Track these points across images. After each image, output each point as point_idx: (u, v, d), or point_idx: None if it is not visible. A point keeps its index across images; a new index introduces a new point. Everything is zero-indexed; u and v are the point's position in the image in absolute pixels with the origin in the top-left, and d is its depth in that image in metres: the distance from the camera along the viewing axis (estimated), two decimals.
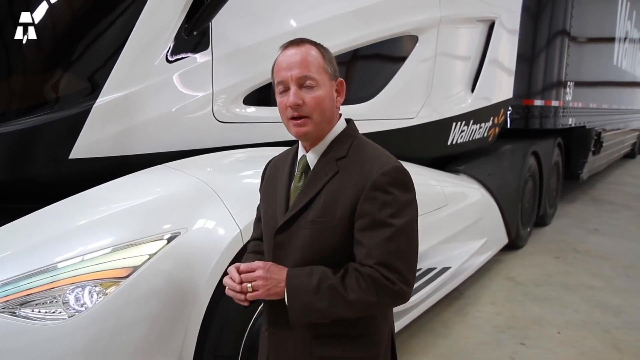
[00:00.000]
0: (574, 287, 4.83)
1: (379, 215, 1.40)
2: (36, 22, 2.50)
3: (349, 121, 1.60)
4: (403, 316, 3.47)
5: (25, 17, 2.53)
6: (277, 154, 1.75)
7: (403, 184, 1.44)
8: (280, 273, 1.46)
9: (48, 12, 2.50)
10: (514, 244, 5.74)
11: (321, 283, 1.41)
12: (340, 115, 1.58)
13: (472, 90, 4.61)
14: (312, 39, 1.56)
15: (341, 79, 1.55)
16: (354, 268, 1.41)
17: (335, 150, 1.51)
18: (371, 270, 1.39)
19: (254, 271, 1.45)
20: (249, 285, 1.45)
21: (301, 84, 1.47)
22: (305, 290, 1.41)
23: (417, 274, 3.89)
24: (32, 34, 2.52)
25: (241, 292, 1.46)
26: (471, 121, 4.67)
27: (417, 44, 3.74)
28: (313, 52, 1.50)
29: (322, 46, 1.55)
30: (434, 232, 3.97)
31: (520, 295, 4.60)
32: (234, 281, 1.46)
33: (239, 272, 1.47)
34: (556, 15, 6.23)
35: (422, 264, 4.04)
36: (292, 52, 1.49)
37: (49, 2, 2.51)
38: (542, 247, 6.07)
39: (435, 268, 4.05)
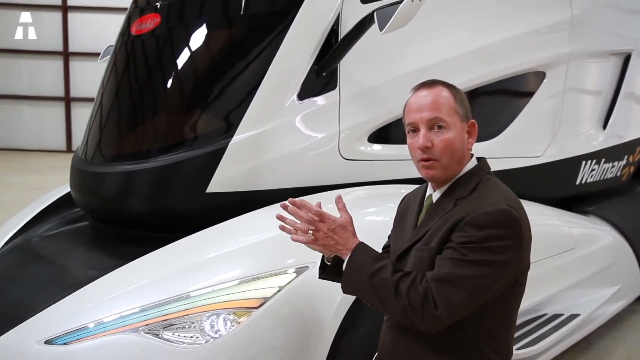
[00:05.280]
0: None
1: (458, 245, 1.39)
2: (179, 67, 2.75)
3: (480, 159, 1.59)
4: None
5: (169, 63, 2.80)
6: (396, 191, 1.78)
7: (503, 227, 1.39)
8: (346, 238, 1.53)
9: (190, 59, 2.75)
10: None
11: (378, 273, 1.43)
12: (472, 155, 1.58)
13: (604, 127, 4.37)
14: (441, 79, 1.59)
15: (473, 120, 1.55)
16: (414, 276, 1.41)
17: (458, 190, 1.52)
18: (426, 286, 1.37)
19: (322, 221, 1.53)
20: (311, 231, 1.54)
21: (431, 125, 1.50)
22: (363, 271, 1.46)
23: (542, 319, 3.72)
24: (175, 78, 2.77)
25: (303, 230, 1.55)
26: (602, 160, 4.42)
27: (544, 80, 3.62)
28: (444, 93, 1.52)
29: (454, 87, 1.56)
30: (561, 277, 3.76)
31: None
32: (302, 215, 1.55)
33: (311, 211, 1.54)
34: None
35: (547, 309, 3.83)
36: (424, 93, 1.53)
37: (190, 49, 2.75)
38: None
39: (562, 314, 3.83)
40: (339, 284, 1.99)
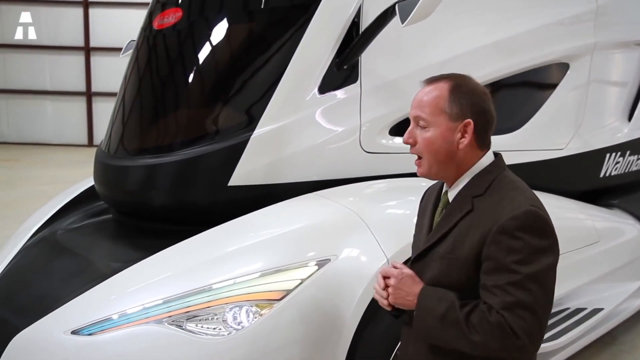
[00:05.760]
0: None
1: (504, 261, 1.37)
2: (201, 61, 2.76)
3: (496, 155, 1.57)
4: (549, 358, 3.27)
5: (190, 57, 2.81)
6: (417, 184, 1.78)
7: (535, 229, 1.38)
8: (412, 286, 1.50)
9: (211, 53, 2.76)
10: None
11: (447, 313, 1.41)
12: (487, 150, 1.55)
13: (629, 118, 4.30)
14: (458, 72, 1.57)
15: (469, 120, 1.48)
16: (482, 310, 1.38)
17: (473, 188, 1.50)
18: (498, 317, 1.35)
19: (388, 276, 1.55)
20: (384, 292, 1.56)
21: (417, 123, 1.52)
22: (432, 316, 1.44)
23: (565, 313, 3.68)
24: (197, 72, 2.79)
25: (381, 295, 1.56)
26: (627, 152, 4.34)
27: (568, 72, 3.57)
28: (440, 91, 1.50)
29: (461, 84, 1.51)
30: (584, 270, 3.71)
31: None
32: (379, 285, 1.57)
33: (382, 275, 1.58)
34: None
35: (570, 304, 3.79)
36: (423, 90, 1.54)
37: (212, 43, 2.76)
38: None
39: (585, 309, 3.79)
40: (360, 278, 2.03)
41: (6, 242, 3.07)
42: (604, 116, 4.12)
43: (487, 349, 1.38)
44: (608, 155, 4.16)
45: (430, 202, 1.66)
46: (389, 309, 1.58)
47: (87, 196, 3.24)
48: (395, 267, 1.56)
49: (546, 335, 3.29)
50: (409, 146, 1.58)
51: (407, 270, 1.55)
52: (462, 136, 1.48)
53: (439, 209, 1.59)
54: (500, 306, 1.35)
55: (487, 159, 1.53)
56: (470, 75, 1.56)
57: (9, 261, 2.73)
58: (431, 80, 1.54)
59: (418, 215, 1.73)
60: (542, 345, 3.15)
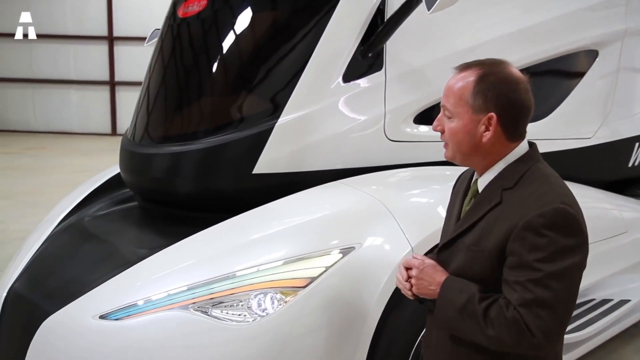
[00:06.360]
0: None
1: (526, 257, 1.34)
2: (225, 50, 2.76)
3: (531, 145, 1.52)
4: (574, 349, 3.24)
5: (215, 45, 2.81)
6: (442, 172, 1.75)
7: (563, 227, 1.34)
8: (435, 276, 1.50)
9: (236, 41, 2.76)
10: None
11: (467, 305, 1.41)
12: (521, 141, 1.50)
13: None
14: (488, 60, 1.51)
15: (492, 113, 1.42)
16: (500, 305, 1.37)
17: (504, 179, 1.46)
18: (515, 313, 1.33)
19: (410, 267, 1.55)
20: (408, 283, 1.56)
21: (444, 111, 1.50)
22: (452, 307, 1.44)
23: (591, 304, 3.64)
24: (222, 60, 2.79)
25: (404, 286, 1.57)
26: None
27: (597, 59, 3.50)
28: (465, 81, 1.45)
29: (490, 73, 1.44)
30: (611, 261, 3.66)
31: None
32: (402, 276, 1.57)
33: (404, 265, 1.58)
34: None
35: (596, 295, 3.75)
36: (453, 78, 1.50)
37: (236, 31, 2.76)
38: None
39: (611, 300, 3.74)
40: (384, 267, 2.01)
41: (35, 229, 3.13)
42: (633, 104, 4.03)
43: (501, 343, 1.37)
44: (637, 144, 4.08)
45: (462, 189, 1.63)
46: (412, 298, 1.58)
47: (113, 184, 3.29)
48: (416, 258, 1.56)
49: (571, 326, 3.27)
50: (433, 134, 1.56)
51: (428, 260, 1.55)
52: (487, 129, 1.44)
53: (468, 197, 1.57)
54: (518, 302, 1.33)
55: (520, 149, 1.48)
56: (505, 61, 1.49)
57: (37, 247, 2.78)
58: (462, 68, 1.50)
59: (450, 201, 1.71)
60: (567, 336, 3.14)
